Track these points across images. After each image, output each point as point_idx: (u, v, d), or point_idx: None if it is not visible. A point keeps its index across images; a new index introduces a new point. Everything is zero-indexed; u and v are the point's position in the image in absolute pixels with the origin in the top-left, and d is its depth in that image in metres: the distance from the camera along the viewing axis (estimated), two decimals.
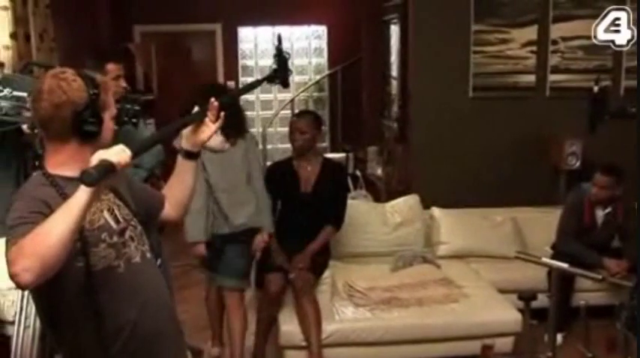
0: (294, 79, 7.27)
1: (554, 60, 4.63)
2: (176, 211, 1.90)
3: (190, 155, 1.86)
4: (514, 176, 4.66)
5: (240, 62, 7.29)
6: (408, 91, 4.79)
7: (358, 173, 5.89)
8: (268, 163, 4.88)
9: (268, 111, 7.31)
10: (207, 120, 1.81)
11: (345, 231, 3.87)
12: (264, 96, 7.33)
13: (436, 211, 4.22)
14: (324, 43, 7.35)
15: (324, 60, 7.37)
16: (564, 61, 4.63)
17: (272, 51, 7.52)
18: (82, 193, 1.39)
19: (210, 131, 1.82)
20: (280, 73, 2.21)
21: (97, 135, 1.60)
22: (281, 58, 2.23)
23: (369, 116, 6.34)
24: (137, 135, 2.82)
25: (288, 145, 7.46)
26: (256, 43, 7.31)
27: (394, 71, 5.57)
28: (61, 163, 1.60)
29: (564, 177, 4.51)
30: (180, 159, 1.87)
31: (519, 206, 4.34)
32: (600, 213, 3.77)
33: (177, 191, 1.89)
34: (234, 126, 3.19)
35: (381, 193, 5.40)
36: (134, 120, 2.94)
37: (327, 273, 3.47)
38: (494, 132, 4.65)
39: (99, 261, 1.60)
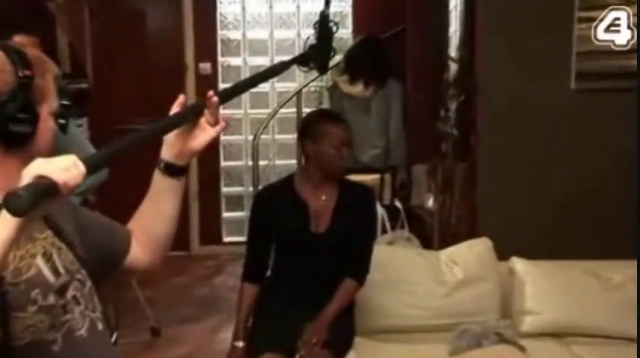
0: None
1: None
2: (150, 254, 1.95)
3: (174, 171, 1.89)
4: (636, 209, 4.60)
5: (220, 34, 7.30)
6: (475, 80, 4.78)
7: (398, 204, 5.89)
8: (260, 187, 4.87)
9: (261, 109, 7.31)
10: (203, 121, 1.86)
11: (376, 291, 3.88)
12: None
13: (518, 264, 4.18)
14: (347, 7, 7.36)
15: (347, 32, 7.37)
16: None
17: (266, 17, 7.79)
18: (6, 225, 1.39)
19: (206, 137, 1.88)
20: (320, 53, 2.26)
21: (29, 139, 1.65)
22: (327, 29, 2.26)
23: (415, 118, 6.33)
24: (66, 143, 2.81)
25: (290, 161, 7.49)
26: (244, 5, 7.34)
27: (454, 50, 5.56)
28: None
29: None
30: (158, 176, 1.92)
31: None
32: None
33: (151, 224, 1.93)
34: (376, 74, 5.83)
35: (434, 235, 5.43)
36: (61, 120, 2.95)
37: (351, 355, 3.52)
38: (609, 143, 4.61)
39: (24, 331, 1.60)
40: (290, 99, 6.69)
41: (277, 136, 7.46)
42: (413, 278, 4.08)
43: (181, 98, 1.88)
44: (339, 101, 6.17)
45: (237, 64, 7.30)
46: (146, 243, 1.95)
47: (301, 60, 2.25)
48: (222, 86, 7.19)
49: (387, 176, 6.09)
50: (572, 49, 4.53)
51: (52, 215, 1.72)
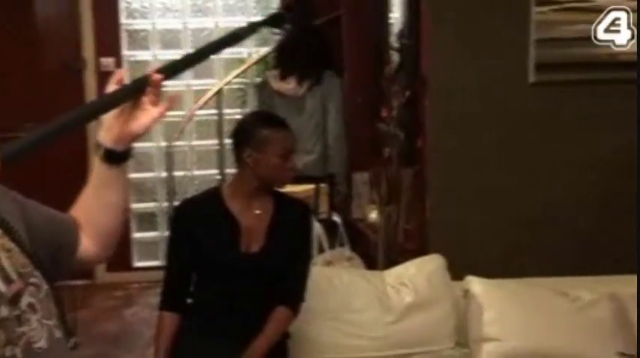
0: (221, 54, 7.24)
1: None
2: (100, 245, 2.00)
3: (114, 157, 1.92)
4: (611, 222, 4.71)
5: (124, 24, 7.25)
6: (422, 75, 4.81)
7: (337, 218, 5.88)
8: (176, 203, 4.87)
9: (175, 110, 7.24)
10: (145, 100, 1.89)
11: (313, 320, 3.90)
12: (167, 84, 7.28)
13: (475, 284, 4.19)
14: None
15: None
16: None
17: (180, 4, 7.71)
18: None
19: (148, 119, 1.91)
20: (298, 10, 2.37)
21: None
22: None
23: (355, 119, 6.39)
24: None
25: (211, 171, 7.45)
26: None
27: (397, 40, 5.58)
28: None
29: None
30: (97, 163, 1.96)
31: (622, 273, 4.31)
32: None
33: (96, 215, 1.98)
34: (311, 69, 6.08)
35: (378, 254, 5.41)
36: None
37: None
38: (576, 146, 4.70)
39: None
40: (209, 99, 6.69)
41: (195, 142, 7.42)
42: (355, 304, 4.08)
43: (119, 73, 1.91)
44: (268, 100, 6.16)
45: (145, 58, 7.23)
46: (93, 235, 1.99)
47: (275, 20, 2.29)
48: None
49: (323, 186, 6.09)
50: (529, 36, 4.60)
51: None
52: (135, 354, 5.52)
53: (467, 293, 4.20)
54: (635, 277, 4.35)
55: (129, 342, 5.86)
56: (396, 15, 5.60)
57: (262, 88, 6.46)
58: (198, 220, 3.66)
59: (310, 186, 5.93)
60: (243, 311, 3.56)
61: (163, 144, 7.05)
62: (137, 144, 6.36)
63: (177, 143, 6.80)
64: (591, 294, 4.18)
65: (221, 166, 6.43)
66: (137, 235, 7.52)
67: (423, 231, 4.85)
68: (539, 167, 4.70)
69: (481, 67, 4.63)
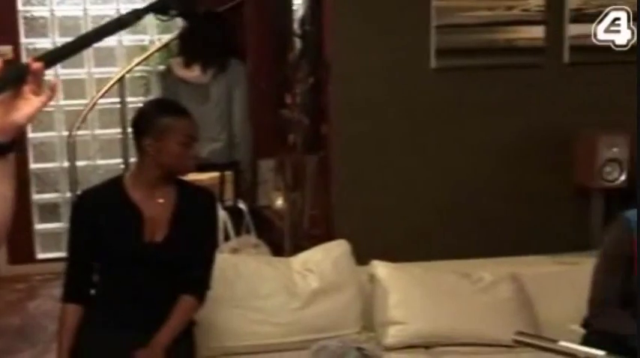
0: (122, 40, 7.28)
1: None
2: None
3: None
4: (512, 204, 4.80)
5: (22, 11, 7.13)
6: (325, 61, 4.85)
7: (242, 205, 5.87)
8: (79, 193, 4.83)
9: (77, 99, 7.19)
10: (26, 89, 1.80)
11: (219, 308, 3.90)
12: (68, 72, 7.23)
13: (379, 268, 4.25)
14: None
15: None
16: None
17: None
18: None
19: (30, 109, 1.81)
20: None
21: None
22: None
23: (259, 105, 6.38)
24: None
25: (115, 160, 7.35)
26: None
27: (299, 26, 5.58)
28: None
29: (599, 202, 4.68)
30: None
31: (523, 255, 4.46)
32: None
33: None
34: (215, 56, 5.95)
35: (284, 240, 5.44)
36: None
37: None
38: (476, 129, 4.78)
39: None
40: (111, 86, 6.62)
41: (97, 131, 7.32)
42: (261, 291, 4.10)
43: None
44: (172, 88, 6.11)
45: (44, 46, 7.10)
46: None
47: (160, 6, 2.23)
48: None
49: (229, 173, 6.08)
50: (430, 22, 4.65)
51: None
52: (39, 348, 5.43)
53: (372, 277, 4.25)
54: (534, 258, 4.49)
55: (33, 336, 5.77)
56: (299, 1, 5.60)
57: (166, 75, 6.40)
58: (99, 210, 3.59)
59: (215, 174, 5.89)
60: (148, 302, 3.52)
61: (65, 133, 6.92)
62: (38, 134, 6.28)
63: (80, 132, 6.69)
64: (493, 276, 4.25)
65: (125, 155, 6.37)
66: (40, 226, 7.40)
67: (328, 217, 4.89)
68: (442, 152, 4.76)
69: (384, 53, 4.67)
